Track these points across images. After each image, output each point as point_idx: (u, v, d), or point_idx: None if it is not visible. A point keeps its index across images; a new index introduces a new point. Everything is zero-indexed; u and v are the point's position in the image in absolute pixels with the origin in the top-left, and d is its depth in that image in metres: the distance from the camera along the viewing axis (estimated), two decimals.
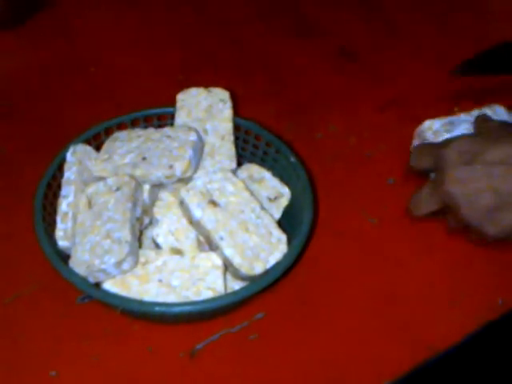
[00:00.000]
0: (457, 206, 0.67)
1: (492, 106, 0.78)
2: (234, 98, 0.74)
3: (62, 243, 0.64)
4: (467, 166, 0.66)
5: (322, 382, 0.62)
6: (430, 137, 0.78)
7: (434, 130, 0.77)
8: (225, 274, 0.63)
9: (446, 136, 0.76)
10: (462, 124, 0.78)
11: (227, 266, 0.63)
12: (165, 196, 0.68)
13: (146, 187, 0.67)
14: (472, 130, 0.76)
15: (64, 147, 0.69)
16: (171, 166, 0.65)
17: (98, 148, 0.71)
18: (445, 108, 0.81)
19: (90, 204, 0.65)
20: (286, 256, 0.62)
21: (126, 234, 0.61)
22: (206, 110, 0.73)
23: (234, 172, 0.69)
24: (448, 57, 0.94)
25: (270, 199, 0.70)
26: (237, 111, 0.74)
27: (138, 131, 0.71)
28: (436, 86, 0.89)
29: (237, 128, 0.73)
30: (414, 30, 1.00)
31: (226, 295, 0.60)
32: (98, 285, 0.61)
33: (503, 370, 0.77)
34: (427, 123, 0.78)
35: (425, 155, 0.73)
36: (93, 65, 0.92)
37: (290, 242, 0.63)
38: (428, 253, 0.72)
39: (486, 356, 0.76)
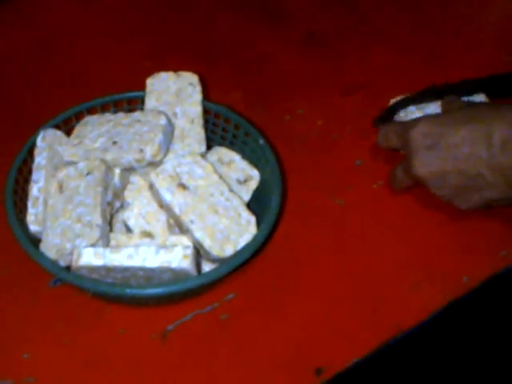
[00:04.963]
0: (427, 186, 0.71)
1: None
2: (204, 83, 0.74)
3: (33, 227, 0.65)
4: (432, 150, 0.68)
5: (293, 361, 0.63)
6: (402, 114, 0.79)
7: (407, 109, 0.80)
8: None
9: (417, 115, 0.77)
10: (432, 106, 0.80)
11: (198, 249, 0.63)
12: (136, 179, 0.69)
13: (117, 171, 0.67)
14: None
15: (34, 133, 0.69)
16: (141, 150, 0.66)
17: (68, 133, 0.71)
18: (409, 91, 0.82)
19: (61, 188, 0.66)
20: (255, 237, 0.63)
21: (96, 218, 0.62)
22: (176, 94, 0.73)
23: (204, 155, 0.70)
24: (413, 43, 0.96)
25: (239, 182, 0.70)
26: (206, 96, 0.75)
27: (108, 116, 0.71)
28: (401, 71, 0.90)
29: (206, 111, 0.74)
30: (380, 16, 1.01)
31: (197, 277, 0.61)
32: (69, 268, 0.61)
33: (469, 346, 0.79)
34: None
35: (392, 135, 0.75)
36: (62, 51, 0.92)
37: (259, 223, 0.64)
38: (394, 232, 0.73)
39: (453, 333, 0.78)
